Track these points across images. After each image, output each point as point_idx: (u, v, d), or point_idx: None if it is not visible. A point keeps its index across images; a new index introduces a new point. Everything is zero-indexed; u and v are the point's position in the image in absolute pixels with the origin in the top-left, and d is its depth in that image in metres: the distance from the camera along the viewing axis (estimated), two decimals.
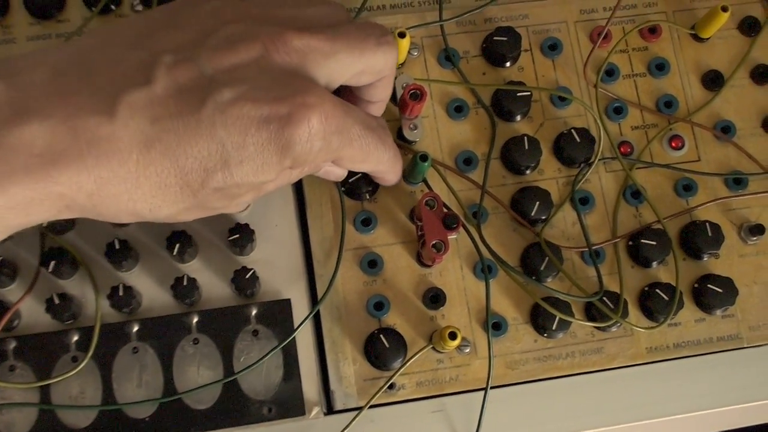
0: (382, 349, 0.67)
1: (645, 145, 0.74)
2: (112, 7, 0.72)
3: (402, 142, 0.71)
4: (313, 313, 0.67)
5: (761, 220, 0.73)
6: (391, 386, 0.68)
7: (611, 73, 0.75)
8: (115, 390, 0.65)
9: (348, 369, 0.68)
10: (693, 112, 0.75)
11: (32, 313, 0.66)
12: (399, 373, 0.67)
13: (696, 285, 0.72)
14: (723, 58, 0.77)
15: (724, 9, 0.72)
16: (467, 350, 0.69)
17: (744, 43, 0.77)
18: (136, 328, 0.66)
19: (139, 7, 0.72)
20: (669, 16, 0.77)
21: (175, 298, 0.66)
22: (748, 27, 0.77)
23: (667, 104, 0.75)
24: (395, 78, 0.70)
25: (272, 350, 0.65)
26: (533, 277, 0.70)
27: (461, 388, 0.69)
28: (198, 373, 0.66)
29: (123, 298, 0.64)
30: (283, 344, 0.66)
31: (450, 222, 0.66)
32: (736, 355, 0.72)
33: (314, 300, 0.69)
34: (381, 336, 0.67)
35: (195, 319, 0.67)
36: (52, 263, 0.64)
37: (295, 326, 0.67)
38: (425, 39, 0.75)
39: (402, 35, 0.68)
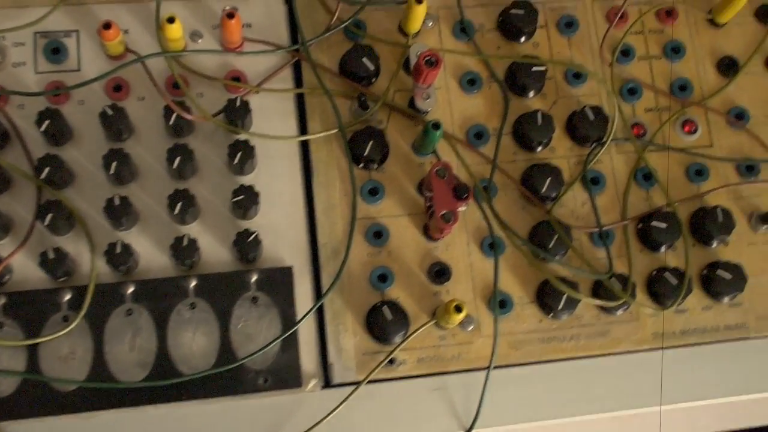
0: (384, 323, 0.65)
1: (658, 127, 0.73)
2: None
3: (414, 111, 0.70)
4: (328, 292, 0.65)
5: None
6: (391, 361, 0.66)
7: (627, 53, 0.74)
8: (106, 352, 0.62)
9: (348, 341, 0.66)
10: (707, 97, 0.74)
11: (25, 268, 0.63)
12: (400, 348, 0.65)
13: (704, 271, 0.70)
14: (739, 44, 0.76)
15: None
16: (471, 327, 0.67)
17: (760, 31, 0.76)
18: (131, 290, 0.63)
19: None
20: None
21: (174, 260, 0.64)
22: (765, 14, 0.76)
23: (681, 88, 0.74)
24: (410, 47, 0.69)
25: (309, 311, 0.63)
26: (541, 256, 0.68)
27: (463, 367, 0.67)
28: (193, 339, 0.64)
29: (120, 256, 0.62)
30: (319, 306, 0.64)
31: (461, 192, 0.64)
32: (741, 345, 0.70)
33: (317, 269, 0.67)
34: (384, 309, 0.65)
35: (193, 283, 0.64)
36: (49, 216, 0.61)
37: (296, 295, 0.65)
38: (441, 10, 0.73)
39: (419, 1, 0.66)
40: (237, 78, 0.68)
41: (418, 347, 0.67)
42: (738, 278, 0.69)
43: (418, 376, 0.67)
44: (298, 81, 0.70)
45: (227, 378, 0.63)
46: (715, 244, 0.71)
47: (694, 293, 0.70)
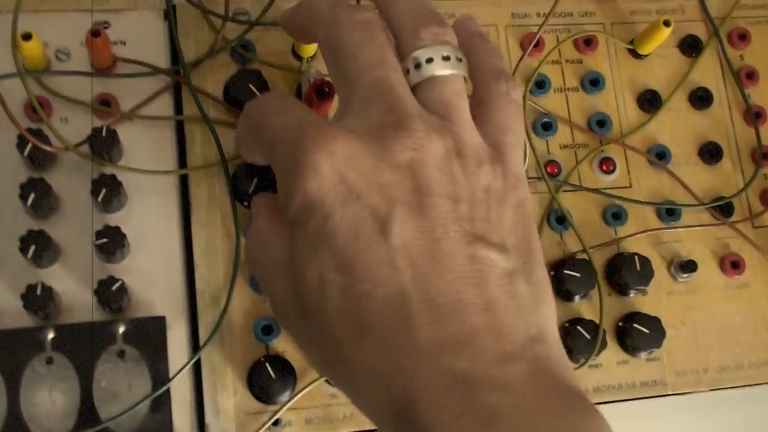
0: (267, 380, 0.59)
1: (574, 166, 0.68)
2: None
3: None
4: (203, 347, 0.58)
5: (693, 256, 0.67)
6: (275, 422, 0.59)
7: (542, 85, 0.69)
8: None
9: (227, 401, 0.59)
10: (627, 134, 0.69)
11: None
12: (286, 407, 0.59)
13: (620, 323, 0.65)
14: (661, 77, 0.71)
15: (667, 23, 0.66)
16: None
17: (684, 64, 0.72)
18: None
19: None
20: (606, 28, 0.71)
21: (27, 309, 0.56)
22: (689, 46, 0.72)
23: (599, 123, 0.69)
24: (302, 72, 0.63)
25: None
26: None
27: (355, 428, 0.60)
28: (50, 398, 0.56)
29: None
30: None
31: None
32: (659, 402, 0.65)
33: (193, 318, 0.60)
34: (267, 364, 0.59)
35: (50, 335, 0.57)
36: None
37: (169, 348, 0.58)
38: None
39: None
40: (107, 102, 0.60)
41: (306, 406, 0.60)
42: (655, 332, 0.64)
43: None
44: (179, 107, 0.63)
45: None
46: (632, 294, 0.66)
47: (610, 347, 0.65)
